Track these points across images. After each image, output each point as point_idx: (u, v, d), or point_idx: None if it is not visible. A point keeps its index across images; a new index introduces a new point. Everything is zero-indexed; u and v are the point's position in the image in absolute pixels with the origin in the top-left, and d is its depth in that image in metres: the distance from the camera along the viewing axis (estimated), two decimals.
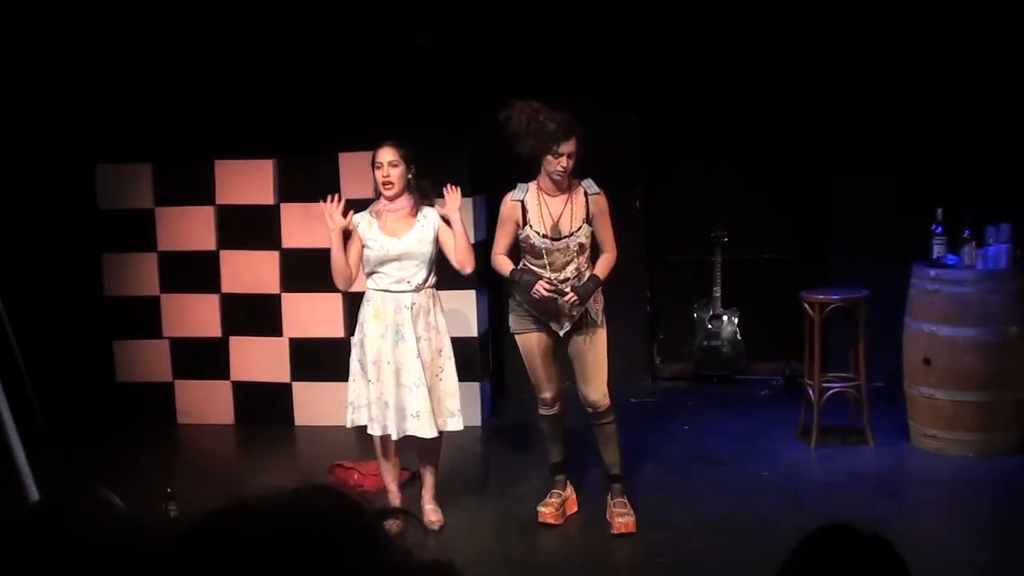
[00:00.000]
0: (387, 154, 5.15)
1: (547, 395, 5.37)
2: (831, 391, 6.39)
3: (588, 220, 5.19)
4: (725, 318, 7.71)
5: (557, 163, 5.06)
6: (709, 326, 7.74)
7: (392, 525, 0.96)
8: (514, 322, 5.35)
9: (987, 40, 6.97)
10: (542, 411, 5.44)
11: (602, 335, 5.29)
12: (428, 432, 5.18)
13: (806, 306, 6.37)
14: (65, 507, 0.93)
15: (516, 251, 5.31)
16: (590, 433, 5.46)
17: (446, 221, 5.20)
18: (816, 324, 6.28)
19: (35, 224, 7.11)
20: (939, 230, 6.25)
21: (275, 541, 0.88)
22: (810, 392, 6.40)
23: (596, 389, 5.29)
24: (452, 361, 5.30)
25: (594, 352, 5.27)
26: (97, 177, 7.31)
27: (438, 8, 7.28)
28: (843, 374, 6.48)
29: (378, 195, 5.21)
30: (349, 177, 6.86)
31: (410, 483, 5.89)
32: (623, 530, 5.28)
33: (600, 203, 5.23)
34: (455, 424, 5.33)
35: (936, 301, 6.14)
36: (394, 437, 5.20)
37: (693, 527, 5.33)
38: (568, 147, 5.05)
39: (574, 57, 7.43)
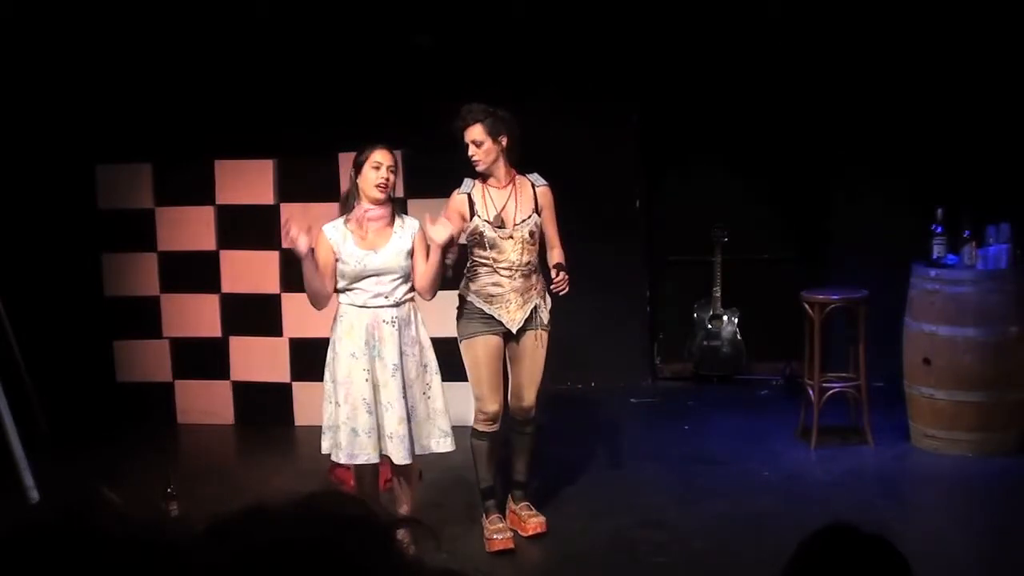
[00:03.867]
0: (388, 157, 4.85)
1: (492, 408, 5.13)
2: (831, 391, 6.39)
3: (537, 211, 5.15)
4: (725, 318, 7.71)
5: (468, 153, 5.08)
6: (709, 326, 7.74)
7: (404, 534, 0.96)
8: (461, 327, 5.17)
9: (987, 41, 6.97)
10: (482, 427, 5.16)
11: (546, 339, 5.20)
12: (401, 458, 4.83)
13: (806, 306, 6.37)
14: (89, 507, 0.94)
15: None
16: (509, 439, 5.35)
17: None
18: (816, 324, 6.28)
19: (35, 224, 7.12)
20: (939, 230, 6.25)
21: (289, 545, 0.88)
22: (810, 392, 6.40)
23: (533, 394, 5.21)
24: (439, 376, 4.99)
25: (540, 355, 5.18)
26: (97, 177, 7.30)
27: (438, 8, 7.28)
28: (843, 374, 6.48)
29: (349, 205, 4.91)
30: (349, 177, 6.84)
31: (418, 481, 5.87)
32: (537, 530, 5.25)
33: (548, 196, 5.21)
34: (447, 446, 4.97)
35: (936, 301, 6.14)
36: (361, 461, 4.84)
37: (693, 527, 5.33)
38: (468, 135, 5.04)
39: (575, 57, 7.44)
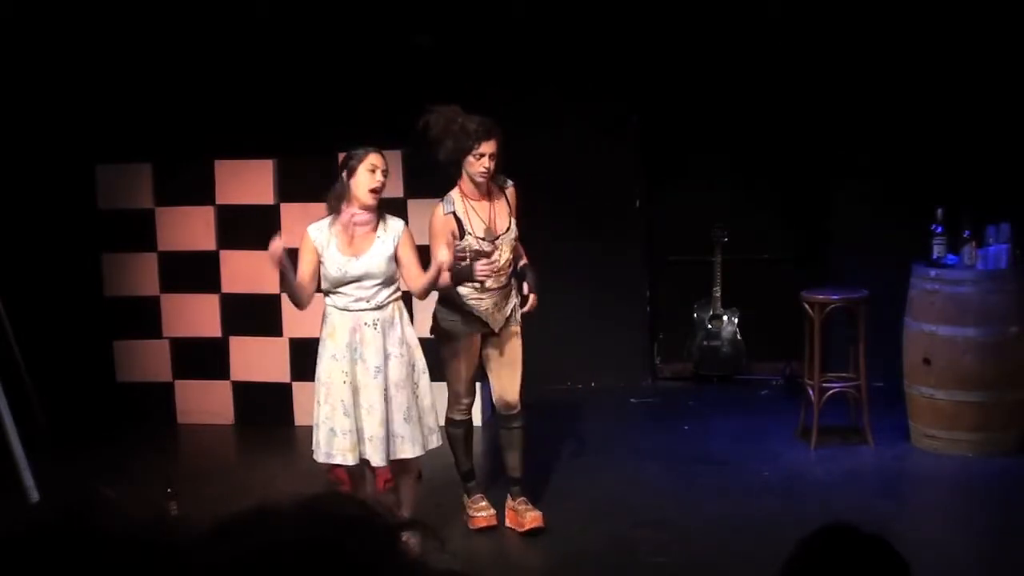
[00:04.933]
0: (382, 160, 4.85)
1: (468, 400, 5.37)
2: (831, 391, 6.39)
3: (512, 213, 5.24)
4: (725, 318, 7.71)
5: (479, 163, 5.04)
6: (709, 326, 7.73)
7: (411, 537, 0.97)
8: (442, 324, 5.24)
9: (986, 40, 6.97)
10: (458, 416, 5.36)
11: (520, 334, 5.32)
12: (378, 460, 4.86)
13: (806, 306, 6.36)
14: (89, 507, 0.94)
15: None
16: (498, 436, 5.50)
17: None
18: (816, 324, 6.28)
19: (35, 224, 7.11)
20: (939, 230, 6.25)
21: (293, 546, 0.88)
22: (810, 392, 6.39)
23: (516, 389, 5.30)
24: (427, 375, 5.01)
25: (517, 351, 5.29)
26: (97, 177, 7.30)
27: (438, 8, 7.28)
28: (843, 374, 6.48)
29: (336, 207, 4.89)
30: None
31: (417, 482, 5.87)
32: (535, 524, 5.28)
33: (515, 193, 5.29)
34: (436, 440, 5.05)
35: (936, 301, 6.14)
36: (337, 462, 4.89)
37: (693, 527, 5.34)
38: (489, 147, 5.03)
39: (575, 58, 7.43)
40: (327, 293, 4.91)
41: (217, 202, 7.22)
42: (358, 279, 4.81)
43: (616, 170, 7.65)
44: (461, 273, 5.05)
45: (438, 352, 5.32)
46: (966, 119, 7.04)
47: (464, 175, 5.12)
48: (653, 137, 7.70)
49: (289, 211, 7.10)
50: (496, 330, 5.22)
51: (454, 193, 5.16)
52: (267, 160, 7.14)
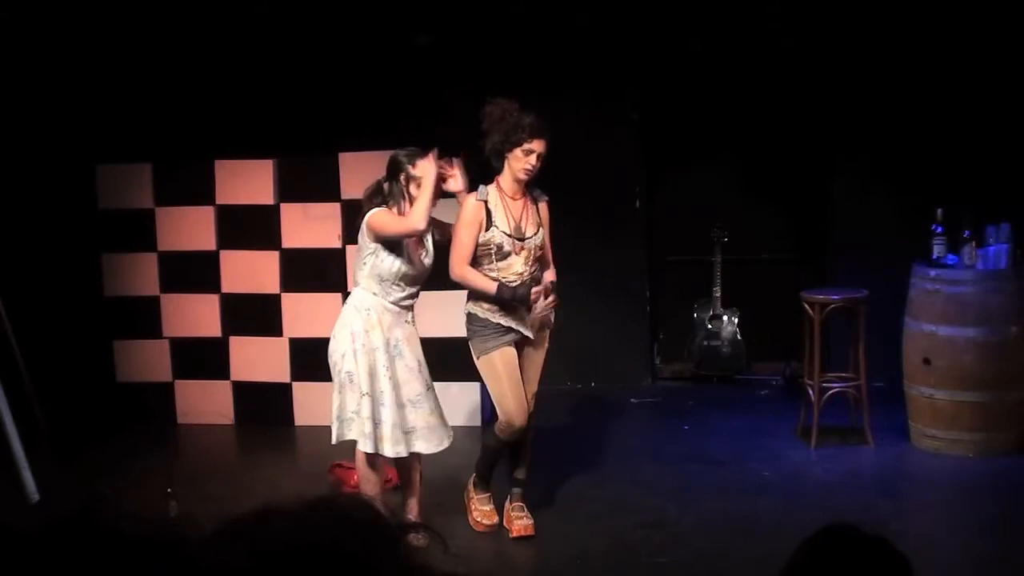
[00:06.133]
0: None
1: (519, 424, 5.07)
2: (831, 391, 6.39)
3: (541, 224, 5.14)
4: (725, 318, 7.71)
5: (526, 159, 4.94)
6: (709, 326, 7.74)
7: (415, 539, 0.97)
8: (479, 345, 5.08)
9: (987, 40, 6.98)
10: (505, 437, 5.15)
11: (548, 338, 5.29)
12: (433, 447, 5.04)
13: (806, 306, 6.37)
14: (99, 507, 0.94)
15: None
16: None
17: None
18: (816, 324, 6.28)
19: (35, 224, 7.12)
20: (939, 230, 6.25)
21: (299, 548, 0.88)
22: (810, 392, 6.40)
23: (533, 393, 5.26)
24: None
25: (543, 355, 5.25)
26: (97, 177, 7.30)
27: (438, 8, 7.28)
28: (843, 374, 6.48)
29: (388, 203, 4.89)
30: (349, 177, 6.85)
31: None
32: (523, 533, 5.26)
33: (547, 211, 5.19)
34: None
35: (936, 301, 6.14)
36: (387, 454, 4.94)
37: (693, 527, 5.33)
38: (539, 145, 4.95)
39: (575, 57, 7.44)
40: (376, 285, 4.92)
41: (217, 202, 7.22)
42: (420, 275, 4.98)
43: (616, 170, 7.66)
44: (518, 293, 4.98)
45: (478, 371, 5.18)
46: (966, 119, 7.04)
47: (505, 170, 5.02)
48: (653, 137, 7.71)
49: (289, 211, 7.11)
50: (532, 335, 5.12)
51: (490, 186, 5.06)
52: (267, 160, 7.14)
